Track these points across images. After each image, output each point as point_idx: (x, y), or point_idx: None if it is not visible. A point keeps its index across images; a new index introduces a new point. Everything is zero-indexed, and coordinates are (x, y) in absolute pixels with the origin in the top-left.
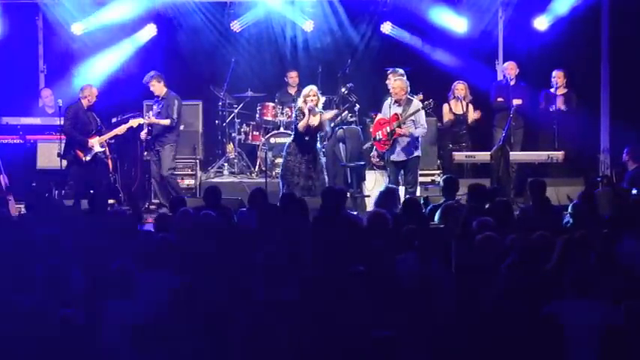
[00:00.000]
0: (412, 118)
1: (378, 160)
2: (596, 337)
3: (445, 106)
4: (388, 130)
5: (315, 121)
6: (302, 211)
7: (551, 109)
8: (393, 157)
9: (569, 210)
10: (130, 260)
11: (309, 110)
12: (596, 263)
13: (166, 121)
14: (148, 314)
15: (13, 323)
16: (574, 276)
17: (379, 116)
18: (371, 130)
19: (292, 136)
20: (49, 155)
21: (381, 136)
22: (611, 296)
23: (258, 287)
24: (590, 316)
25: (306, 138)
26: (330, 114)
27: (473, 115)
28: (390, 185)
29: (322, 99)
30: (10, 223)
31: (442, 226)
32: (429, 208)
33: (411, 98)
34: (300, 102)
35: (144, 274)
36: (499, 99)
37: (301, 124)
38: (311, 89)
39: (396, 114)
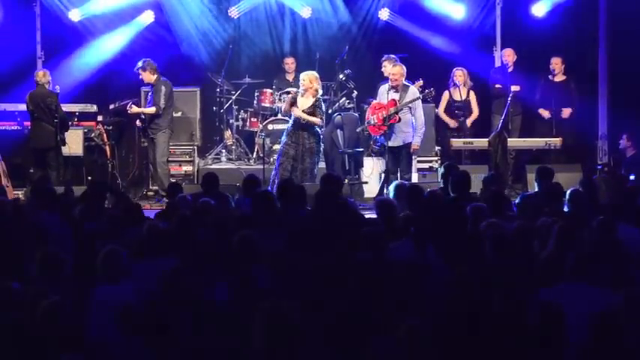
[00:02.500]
0: (410, 105)
1: (375, 146)
2: (594, 323)
3: (445, 93)
4: (384, 115)
5: (297, 112)
6: (300, 198)
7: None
8: (390, 143)
9: (567, 196)
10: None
11: (292, 100)
12: (594, 250)
13: (151, 110)
14: (139, 300)
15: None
16: (573, 262)
17: (374, 102)
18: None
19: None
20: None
21: (375, 121)
22: (610, 283)
23: (257, 275)
24: (589, 302)
25: (292, 122)
26: (297, 111)
27: (475, 112)
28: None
29: (319, 88)
30: (8, 209)
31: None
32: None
33: (408, 85)
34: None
35: (141, 261)
36: (497, 85)
37: (283, 108)
38: (306, 75)
39: (393, 100)
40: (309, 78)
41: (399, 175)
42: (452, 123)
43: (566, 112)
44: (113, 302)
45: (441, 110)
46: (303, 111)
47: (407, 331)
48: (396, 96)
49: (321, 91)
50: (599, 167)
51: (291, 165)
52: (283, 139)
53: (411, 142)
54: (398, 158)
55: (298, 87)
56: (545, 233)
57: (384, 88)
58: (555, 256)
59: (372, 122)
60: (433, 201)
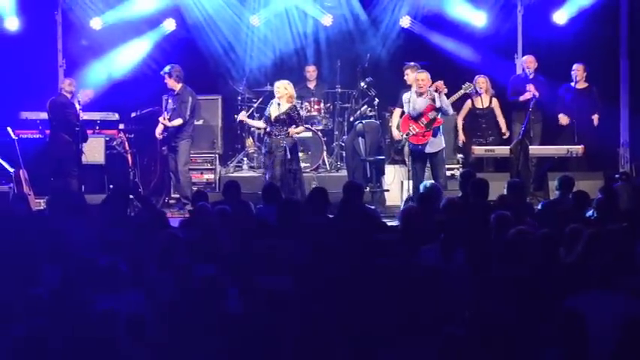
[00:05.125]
0: (439, 105)
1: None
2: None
3: (467, 102)
4: (425, 122)
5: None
6: (324, 206)
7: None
8: (428, 149)
9: (594, 204)
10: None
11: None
12: (615, 259)
13: (178, 122)
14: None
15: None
16: (599, 269)
17: (398, 111)
18: (394, 127)
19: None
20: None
21: (417, 129)
22: (631, 291)
23: (280, 282)
24: (613, 309)
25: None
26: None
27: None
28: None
29: (293, 94)
30: (29, 219)
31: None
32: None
33: (429, 90)
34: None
35: (161, 270)
36: (521, 98)
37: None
38: (279, 83)
39: (430, 105)
40: (283, 85)
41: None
42: (461, 137)
43: (595, 119)
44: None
45: (460, 118)
46: (276, 116)
47: (445, 339)
48: (424, 101)
49: (295, 97)
50: (617, 175)
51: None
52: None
53: (444, 148)
54: (434, 164)
55: (319, 95)
56: (570, 241)
57: (407, 97)
58: (581, 262)
59: (413, 132)
60: (451, 208)
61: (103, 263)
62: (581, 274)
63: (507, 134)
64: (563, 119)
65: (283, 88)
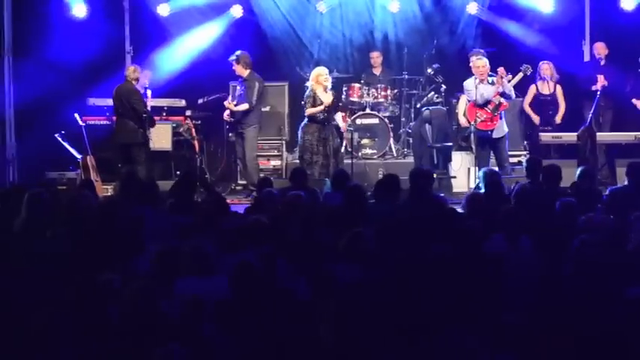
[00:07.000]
0: (501, 90)
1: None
2: None
3: (532, 87)
4: (491, 108)
5: (327, 99)
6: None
7: None
8: (495, 135)
9: None
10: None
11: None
12: None
13: (244, 106)
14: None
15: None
16: None
17: (465, 97)
18: (460, 114)
19: (306, 117)
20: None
21: (485, 115)
22: None
23: (342, 270)
24: None
25: (320, 117)
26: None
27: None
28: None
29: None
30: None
31: None
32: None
33: (490, 75)
34: (312, 84)
35: (228, 255)
36: (588, 81)
37: (312, 111)
38: (322, 70)
39: (495, 90)
40: (313, 79)
41: (496, 167)
42: (536, 119)
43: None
44: (202, 295)
45: (526, 104)
46: (329, 103)
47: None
48: (491, 88)
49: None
50: None
51: (318, 158)
52: (303, 134)
53: (507, 132)
54: (499, 149)
55: (386, 82)
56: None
57: (471, 83)
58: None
59: (481, 119)
60: (522, 195)
61: (187, 249)
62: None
63: (558, 122)
64: (638, 103)
65: (315, 81)
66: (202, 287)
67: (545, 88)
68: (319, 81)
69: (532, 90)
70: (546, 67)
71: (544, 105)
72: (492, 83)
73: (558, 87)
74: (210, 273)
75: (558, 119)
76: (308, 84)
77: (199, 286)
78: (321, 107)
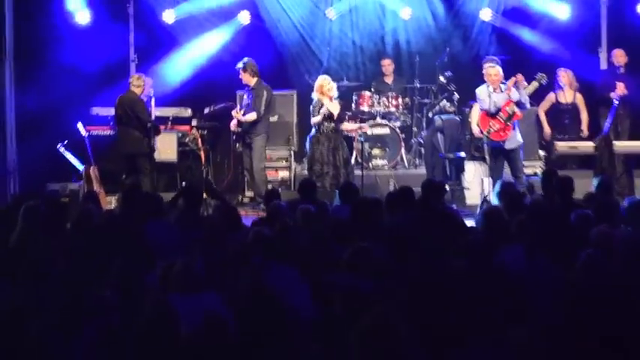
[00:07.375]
0: (516, 98)
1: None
2: None
3: (550, 94)
4: (504, 117)
5: (335, 109)
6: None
7: None
8: (507, 145)
9: None
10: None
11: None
12: None
13: (252, 116)
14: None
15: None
16: None
17: (477, 107)
18: (474, 123)
19: (314, 127)
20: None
21: (497, 125)
22: None
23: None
24: None
25: (328, 127)
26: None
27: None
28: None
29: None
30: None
31: None
32: None
33: (503, 83)
34: (317, 95)
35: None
36: (606, 88)
37: (317, 120)
38: (324, 81)
39: (507, 98)
40: (317, 90)
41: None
42: (547, 130)
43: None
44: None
45: (541, 110)
46: (337, 113)
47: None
48: (503, 96)
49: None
50: None
51: (328, 169)
52: (312, 145)
53: (522, 143)
54: (512, 159)
55: (397, 90)
56: None
57: (484, 92)
58: None
59: (494, 129)
60: (536, 208)
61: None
62: None
63: (586, 133)
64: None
65: (319, 92)
66: (190, 304)
67: (563, 97)
68: (324, 92)
69: (550, 98)
70: (564, 75)
71: (560, 113)
72: (508, 92)
73: (579, 95)
74: (198, 290)
75: (585, 129)
76: (313, 95)
77: (187, 303)
78: (320, 117)
